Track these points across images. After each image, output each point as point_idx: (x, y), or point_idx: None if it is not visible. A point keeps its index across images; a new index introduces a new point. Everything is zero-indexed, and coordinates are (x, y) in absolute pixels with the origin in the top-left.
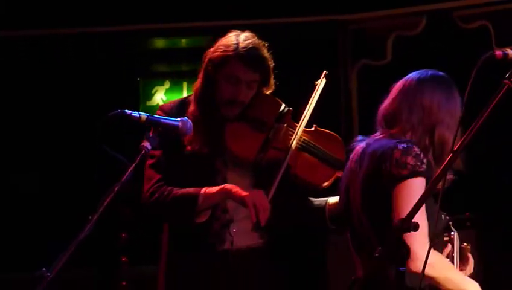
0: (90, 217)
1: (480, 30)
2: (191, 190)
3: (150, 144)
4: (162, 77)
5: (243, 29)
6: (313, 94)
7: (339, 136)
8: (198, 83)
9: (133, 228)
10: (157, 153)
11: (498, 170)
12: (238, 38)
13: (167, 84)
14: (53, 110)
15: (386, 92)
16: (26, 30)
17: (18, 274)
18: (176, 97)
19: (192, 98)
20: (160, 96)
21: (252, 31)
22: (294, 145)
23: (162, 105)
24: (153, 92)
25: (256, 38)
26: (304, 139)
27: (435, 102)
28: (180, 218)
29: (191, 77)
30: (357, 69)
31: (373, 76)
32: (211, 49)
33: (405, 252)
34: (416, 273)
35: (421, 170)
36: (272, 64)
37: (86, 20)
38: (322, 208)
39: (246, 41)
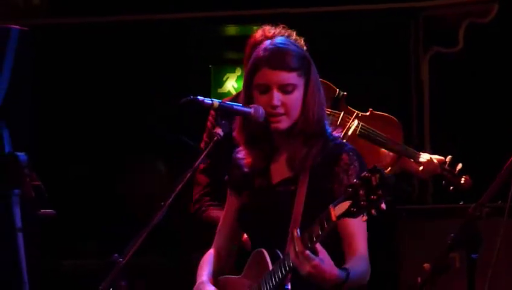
0: (162, 204)
1: None
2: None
3: (222, 130)
4: (234, 64)
5: (315, 17)
6: (345, 129)
7: (395, 118)
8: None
9: None
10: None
11: None
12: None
13: (238, 72)
14: (127, 97)
15: (458, 79)
16: (101, 17)
17: (91, 261)
18: None
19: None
20: (231, 84)
21: (324, 19)
22: (351, 132)
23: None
24: (224, 79)
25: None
26: (361, 125)
27: None
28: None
29: None
30: (429, 56)
31: (445, 64)
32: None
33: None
34: None
35: None
36: None
37: (158, 7)
38: None
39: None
